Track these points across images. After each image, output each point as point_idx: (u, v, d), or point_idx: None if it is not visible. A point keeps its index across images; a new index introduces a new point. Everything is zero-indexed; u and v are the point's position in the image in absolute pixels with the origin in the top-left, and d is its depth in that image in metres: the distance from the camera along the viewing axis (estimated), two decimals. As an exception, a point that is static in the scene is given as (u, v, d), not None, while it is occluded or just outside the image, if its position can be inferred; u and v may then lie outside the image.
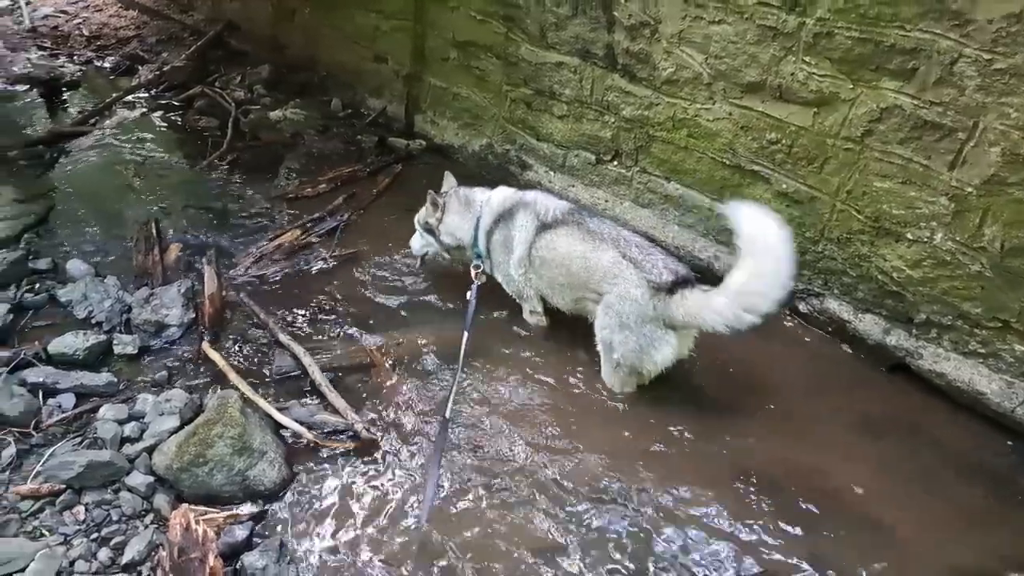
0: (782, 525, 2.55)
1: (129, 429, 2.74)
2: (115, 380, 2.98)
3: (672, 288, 2.83)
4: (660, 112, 3.94)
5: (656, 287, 2.85)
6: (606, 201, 4.32)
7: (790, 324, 3.56)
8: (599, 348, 3.06)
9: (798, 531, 2.53)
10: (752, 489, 2.69)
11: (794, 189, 3.47)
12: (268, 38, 6.49)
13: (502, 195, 3.47)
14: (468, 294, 3.22)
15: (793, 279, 2.70)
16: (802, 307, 3.57)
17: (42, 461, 2.55)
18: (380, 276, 3.81)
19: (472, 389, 3.07)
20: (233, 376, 2.98)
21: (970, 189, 2.87)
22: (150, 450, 2.65)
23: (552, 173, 4.59)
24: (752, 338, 3.40)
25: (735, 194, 3.72)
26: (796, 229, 3.49)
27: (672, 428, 2.93)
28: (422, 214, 3.63)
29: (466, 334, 3.01)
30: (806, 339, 3.48)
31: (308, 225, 4.16)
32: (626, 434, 2.91)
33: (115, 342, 3.17)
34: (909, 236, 3.10)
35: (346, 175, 4.74)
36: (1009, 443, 2.92)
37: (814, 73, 3.23)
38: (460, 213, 3.50)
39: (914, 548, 2.50)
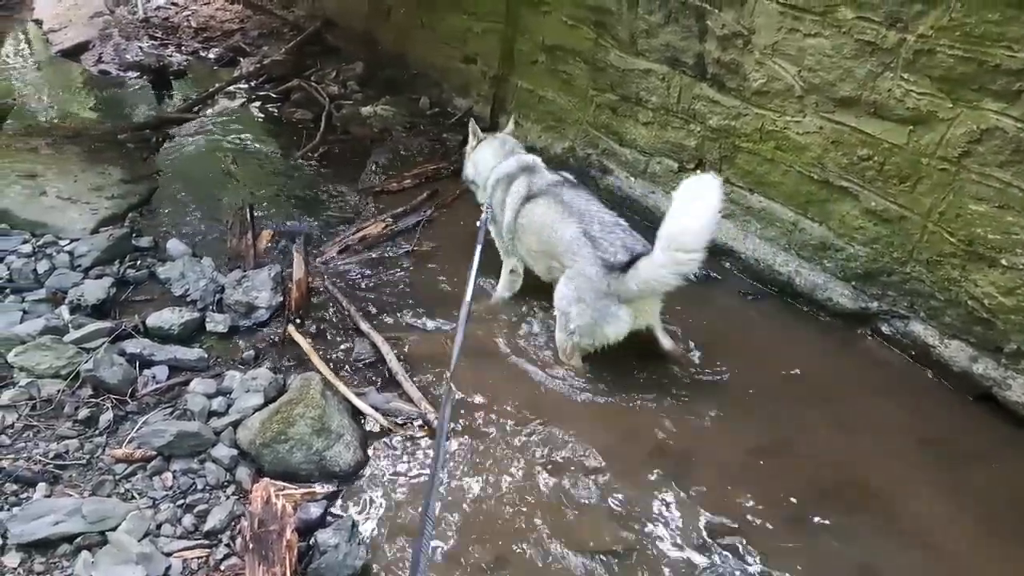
0: (835, 543, 2.57)
1: (216, 403, 2.98)
2: (206, 356, 3.25)
3: (626, 266, 3.02)
4: (748, 123, 3.99)
5: (610, 266, 3.06)
6: (686, 210, 4.38)
7: (871, 344, 3.55)
8: (556, 315, 3.29)
9: (855, 549, 2.55)
10: (811, 503, 2.71)
11: (883, 207, 3.46)
12: (363, 35, 6.85)
13: (519, 161, 3.84)
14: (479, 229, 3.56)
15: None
16: (885, 328, 3.54)
17: (136, 428, 2.81)
18: (456, 271, 4.00)
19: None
20: (316, 359, 3.20)
21: (1074, 217, 2.82)
22: (235, 424, 2.88)
23: (632, 179, 4.69)
24: (830, 355, 3.46)
25: (820, 209, 3.73)
26: (884, 248, 3.50)
27: (745, 438, 2.99)
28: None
29: (472, 274, 3.18)
30: (888, 361, 3.45)
31: (392, 219, 4.41)
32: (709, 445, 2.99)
33: (208, 320, 3.45)
34: (1004, 262, 3.04)
35: (430, 172, 4.98)
36: None
37: (912, 90, 3.22)
38: (489, 154, 3.95)
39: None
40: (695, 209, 2.80)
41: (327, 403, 2.85)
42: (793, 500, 2.71)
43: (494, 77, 5.54)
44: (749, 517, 2.65)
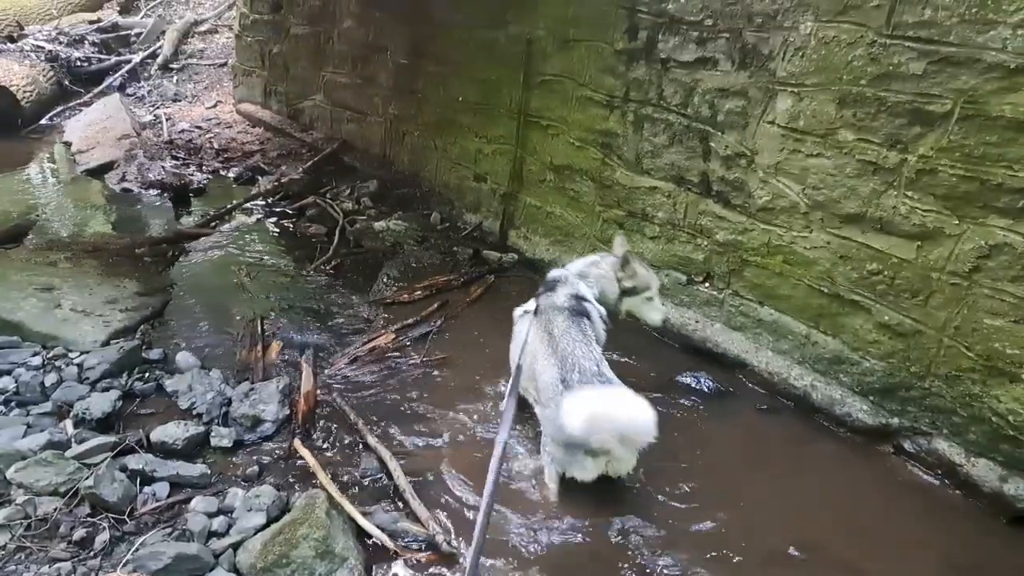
0: None
1: (217, 523, 2.87)
2: (208, 472, 3.17)
3: None
4: (754, 238, 4.08)
5: None
6: (696, 322, 4.40)
7: (895, 462, 3.44)
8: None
9: None
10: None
11: (897, 321, 3.46)
12: (378, 156, 7.18)
13: (558, 273, 3.76)
14: None
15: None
16: (908, 445, 3.45)
17: (132, 549, 2.69)
18: (467, 381, 3.97)
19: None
20: (322, 476, 3.12)
21: (1092, 331, 2.82)
22: (235, 546, 2.76)
23: (642, 292, 4.74)
24: (855, 476, 3.35)
25: (832, 323, 3.75)
26: (900, 363, 3.47)
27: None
28: None
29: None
30: (913, 480, 3.35)
31: (402, 330, 4.43)
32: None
33: (212, 434, 3.39)
34: (1026, 377, 3.02)
35: (441, 283, 5.05)
36: None
37: (917, 207, 3.32)
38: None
39: None
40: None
41: (332, 523, 2.74)
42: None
43: (504, 194, 5.74)
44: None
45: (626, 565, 2.84)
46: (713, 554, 2.90)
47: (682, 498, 3.19)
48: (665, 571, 2.82)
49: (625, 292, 3.65)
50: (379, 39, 6.88)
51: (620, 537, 2.97)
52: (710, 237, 4.34)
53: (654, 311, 3.73)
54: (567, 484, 3.10)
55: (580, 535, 2.97)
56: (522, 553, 2.87)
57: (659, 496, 3.19)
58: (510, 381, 3.16)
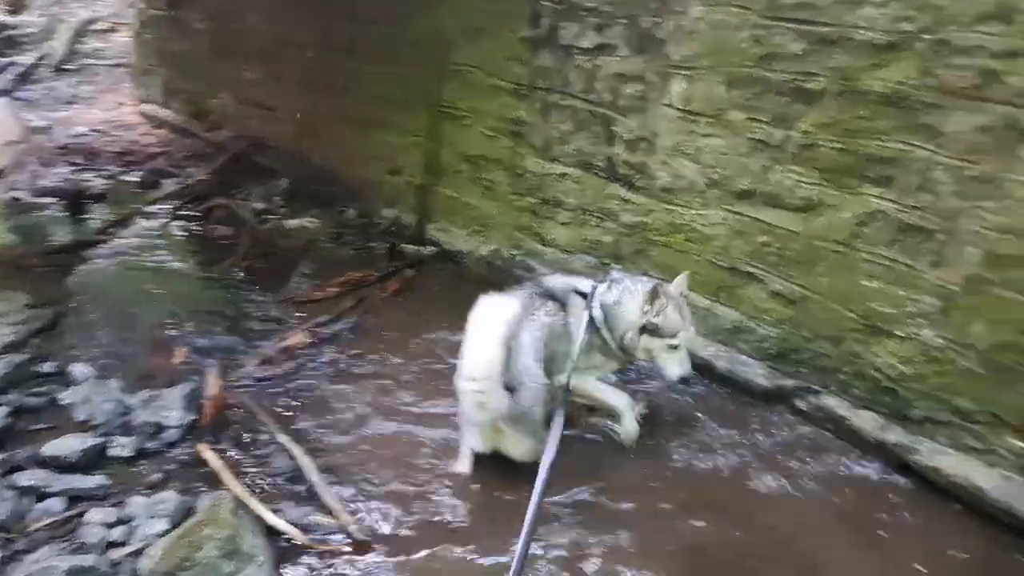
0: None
1: (117, 533, 2.81)
2: (107, 483, 3.10)
3: None
4: (658, 218, 4.26)
5: None
6: (609, 304, 4.56)
7: (790, 420, 3.67)
8: None
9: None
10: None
11: (788, 290, 3.70)
12: (290, 153, 7.08)
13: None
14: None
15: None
16: (801, 404, 3.68)
17: (23, 567, 2.61)
18: (383, 377, 3.99)
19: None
20: (227, 477, 3.09)
21: (954, 287, 3.08)
22: (137, 553, 2.71)
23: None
24: (748, 432, 3.57)
25: (731, 295, 3.96)
26: (791, 328, 3.71)
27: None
28: None
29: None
30: (806, 435, 3.58)
31: (316, 328, 4.42)
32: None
33: (111, 444, 3.31)
34: (899, 333, 3.28)
35: (356, 280, 5.05)
36: (997, 537, 2.97)
37: (801, 181, 3.55)
38: None
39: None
40: (476, 340, 2.99)
41: (239, 522, 2.72)
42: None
43: (419, 187, 5.78)
44: None
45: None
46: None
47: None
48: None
49: (646, 329, 3.25)
50: (286, 33, 6.80)
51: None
52: (617, 220, 4.50)
53: (673, 363, 3.28)
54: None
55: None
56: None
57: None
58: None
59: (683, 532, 2.99)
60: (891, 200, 3.25)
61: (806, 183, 3.53)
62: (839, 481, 3.29)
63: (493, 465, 3.21)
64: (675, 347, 3.26)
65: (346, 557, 2.80)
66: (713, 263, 4.03)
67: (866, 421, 3.40)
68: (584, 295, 3.37)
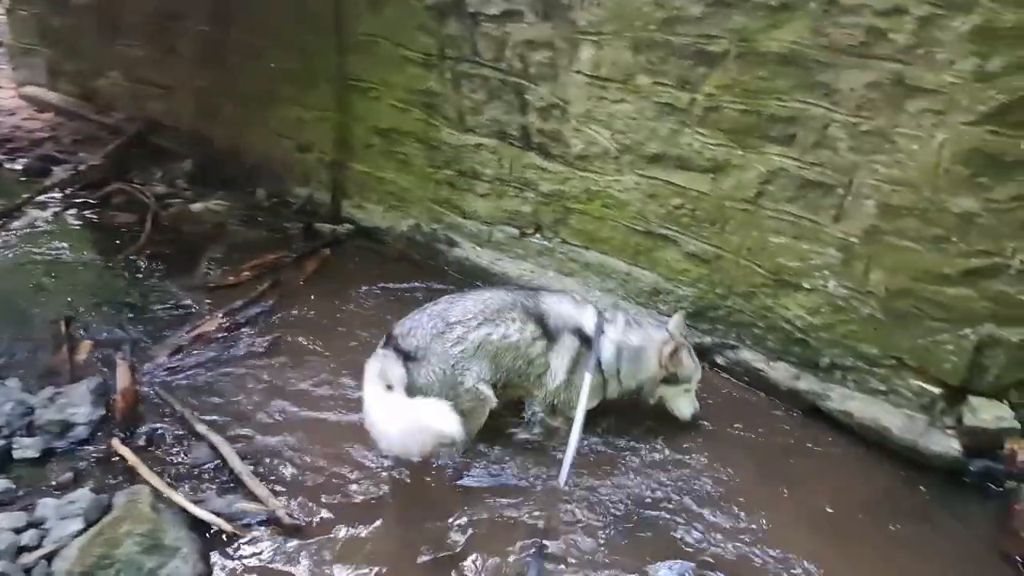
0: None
1: (28, 537, 2.69)
2: (13, 487, 2.94)
3: None
4: (575, 186, 4.31)
5: None
6: (532, 272, 4.58)
7: (710, 376, 3.78)
8: None
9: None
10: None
11: (701, 250, 3.82)
12: (192, 134, 6.73)
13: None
14: None
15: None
16: (719, 359, 3.84)
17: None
18: (301, 361, 3.90)
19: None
20: (144, 471, 2.99)
21: (854, 239, 3.26)
22: (50, 556, 2.60)
23: (479, 248, 4.86)
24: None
25: (648, 258, 4.06)
26: (707, 286, 3.84)
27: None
28: None
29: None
30: (724, 388, 3.75)
31: (230, 313, 4.27)
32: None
33: (15, 446, 3.14)
34: (806, 286, 3.45)
35: (270, 262, 4.90)
36: (902, 473, 3.21)
37: (708, 143, 3.65)
38: None
39: None
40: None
41: (159, 516, 2.65)
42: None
43: (331, 163, 5.62)
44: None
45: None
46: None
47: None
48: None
49: (666, 380, 3.35)
50: (175, 6, 6.41)
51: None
52: (536, 189, 4.51)
53: (687, 404, 3.42)
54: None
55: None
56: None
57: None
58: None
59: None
60: (793, 158, 3.38)
61: (712, 145, 3.63)
62: (757, 429, 3.46)
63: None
64: (688, 390, 3.41)
65: (277, 541, 2.77)
66: (630, 228, 4.11)
67: (780, 372, 3.58)
68: (586, 338, 3.28)
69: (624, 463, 3.24)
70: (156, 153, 6.73)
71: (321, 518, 2.90)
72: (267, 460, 3.18)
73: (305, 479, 3.10)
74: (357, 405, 3.46)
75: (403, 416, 2.84)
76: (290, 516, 2.83)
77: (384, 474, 3.14)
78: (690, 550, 2.81)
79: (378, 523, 2.89)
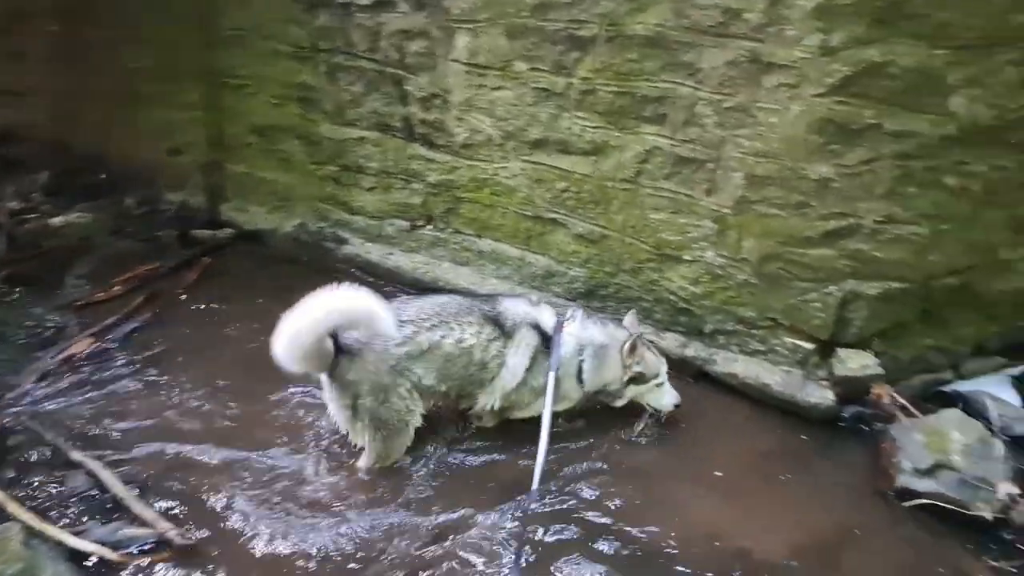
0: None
1: None
2: None
3: None
4: (462, 175, 4.34)
5: None
6: (426, 264, 4.58)
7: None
8: None
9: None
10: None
11: (588, 230, 3.95)
12: (49, 142, 6.25)
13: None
14: None
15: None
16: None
17: None
18: (188, 374, 3.73)
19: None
20: (13, 507, 2.79)
21: (726, 210, 3.46)
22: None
23: (369, 244, 4.81)
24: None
25: (540, 242, 4.16)
26: (596, 266, 3.98)
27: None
28: None
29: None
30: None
31: (100, 332, 4.02)
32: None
33: None
34: (687, 258, 3.64)
35: (144, 274, 4.63)
36: (786, 426, 3.45)
37: (587, 126, 3.77)
38: None
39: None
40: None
41: (34, 552, 2.49)
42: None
43: (206, 165, 5.39)
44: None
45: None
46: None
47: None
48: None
49: (633, 380, 3.29)
50: (18, 3, 5.93)
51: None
52: (423, 180, 4.51)
53: (664, 396, 3.35)
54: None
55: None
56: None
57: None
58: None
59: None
60: (666, 136, 3.55)
61: (591, 127, 3.76)
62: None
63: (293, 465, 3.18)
64: (660, 384, 3.34)
65: (170, 565, 2.66)
66: (520, 213, 4.19)
67: (670, 341, 3.76)
68: (544, 332, 3.23)
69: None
70: (5, 165, 6.21)
71: (215, 536, 2.81)
72: (153, 482, 3.03)
73: (195, 497, 2.98)
74: (243, 419, 3.42)
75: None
76: (182, 537, 2.72)
77: (279, 485, 3.06)
78: (592, 522, 2.91)
79: (278, 537, 2.81)
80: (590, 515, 2.95)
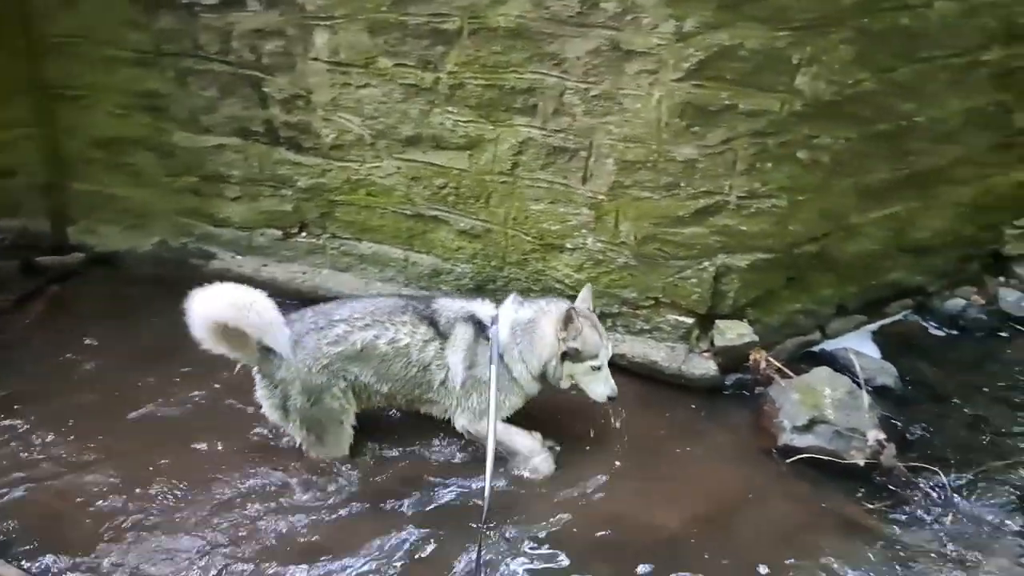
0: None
1: None
2: None
3: None
4: (334, 177, 4.23)
5: None
6: (304, 273, 4.44)
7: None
8: None
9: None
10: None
11: (471, 226, 3.97)
12: None
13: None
14: None
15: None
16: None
17: None
18: (36, 421, 3.41)
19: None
20: None
21: (602, 197, 3.59)
22: None
23: (240, 257, 4.61)
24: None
25: (423, 241, 4.14)
26: (483, 261, 4.01)
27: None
28: None
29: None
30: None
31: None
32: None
33: None
34: (568, 246, 3.74)
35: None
36: (675, 398, 3.63)
37: (459, 120, 3.77)
38: None
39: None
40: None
41: None
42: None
43: (45, 186, 4.94)
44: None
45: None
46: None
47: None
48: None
49: (567, 355, 3.07)
50: None
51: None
52: (293, 186, 4.36)
53: (599, 384, 3.14)
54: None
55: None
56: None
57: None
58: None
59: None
60: (537, 127, 3.62)
61: (463, 122, 3.77)
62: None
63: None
64: (597, 368, 3.12)
65: None
66: (399, 213, 4.14)
67: (559, 330, 3.86)
68: (481, 323, 3.16)
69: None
70: None
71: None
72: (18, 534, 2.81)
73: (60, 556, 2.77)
74: (98, 468, 3.18)
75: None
76: None
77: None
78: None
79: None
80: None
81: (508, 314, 3.17)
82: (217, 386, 3.59)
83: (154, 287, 4.57)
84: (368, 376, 3.10)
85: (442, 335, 3.15)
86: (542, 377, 3.15)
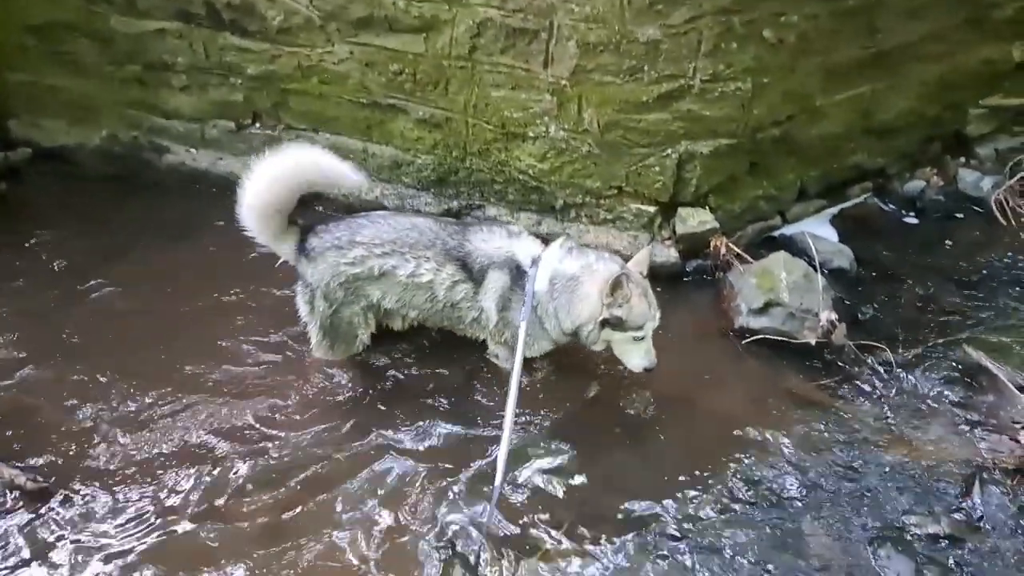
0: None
1: None
2: None
3: None
4: (285, 64, 4.05)
5: None
6: (261, 168, 4.34)
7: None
8: None
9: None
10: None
11: (430, 115, 3.87)
12: None
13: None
14: None
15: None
16: (468, 220, 4.01)
17: None
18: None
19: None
20: None
21: (564, 82, 3.49)
22: None
23: (194, 151, 4.48)
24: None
25: (381, 131, 4.05)
26: (444, 152, 3.95)
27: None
28: None
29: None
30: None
31: None
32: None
33: None
34: (531, 134, 3.69)
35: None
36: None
37: (412, 0, 3.60)
38: None
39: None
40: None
41: None
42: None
43: (-23, 78, 4.69)
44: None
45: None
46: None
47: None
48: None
49: (608, 322, 2.85)
50: None
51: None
52: (242, 73, 4.18)
53: (639, 355, 2.97)
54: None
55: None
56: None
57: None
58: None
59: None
60: (496, 6, 3.46)
61: (416, 1, 3.58)
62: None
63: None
64: (640, 339, 2.93)
65: (23, 510, 2.64)
66: (355, 102, 4.01)
67: (524, 222, 3.87)
68: (518, 269, 2.94)
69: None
70: None
71: (72, 478, 2.76)
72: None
73: (44, 441, 2.89)
74: (51, 381, 3.20)
75: None
76: (33, 481, 2.67)
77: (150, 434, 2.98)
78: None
79: (147, 480, 2.79)
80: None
81: (551, 261, 2.93)
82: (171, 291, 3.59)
83: (108, 182, 4.51)
84: (391, 302, 3.10)
85: (475, 280, 2.98)
86: (574, 335, 2.99)
